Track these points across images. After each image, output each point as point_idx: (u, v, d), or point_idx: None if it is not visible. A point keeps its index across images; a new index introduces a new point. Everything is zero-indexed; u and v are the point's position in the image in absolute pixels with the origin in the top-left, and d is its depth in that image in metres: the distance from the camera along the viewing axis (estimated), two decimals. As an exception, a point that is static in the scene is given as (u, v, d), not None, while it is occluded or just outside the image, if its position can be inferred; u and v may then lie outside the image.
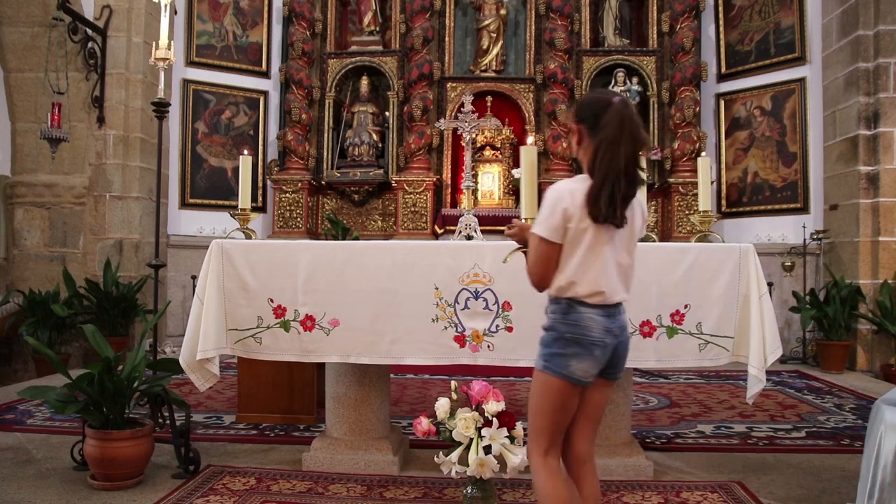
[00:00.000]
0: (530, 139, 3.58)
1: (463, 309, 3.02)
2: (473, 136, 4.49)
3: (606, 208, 1.96)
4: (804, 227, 6.97)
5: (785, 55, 7.42)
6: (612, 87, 7.85)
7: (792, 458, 3.57)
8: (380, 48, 8.06)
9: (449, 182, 7.87)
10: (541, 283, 2.10)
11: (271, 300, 3.10)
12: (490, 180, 7.79)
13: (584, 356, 2.02)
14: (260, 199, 7.96)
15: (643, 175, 2.06)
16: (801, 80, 7.28)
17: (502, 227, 7.92)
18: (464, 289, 3.02)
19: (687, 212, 7.50)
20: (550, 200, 2.03)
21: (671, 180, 7.66)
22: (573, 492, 2.09)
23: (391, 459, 3.24)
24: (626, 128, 1.97)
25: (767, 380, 3.09)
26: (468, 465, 2.62)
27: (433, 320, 3.03)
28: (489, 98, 7.72)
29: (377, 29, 8.16)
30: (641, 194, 2.18)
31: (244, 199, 3.74)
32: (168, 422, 3.24)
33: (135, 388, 3.16)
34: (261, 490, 3.01)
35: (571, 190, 2.02)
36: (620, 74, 7.82)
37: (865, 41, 6.43)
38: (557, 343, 2.04)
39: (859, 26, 6.44)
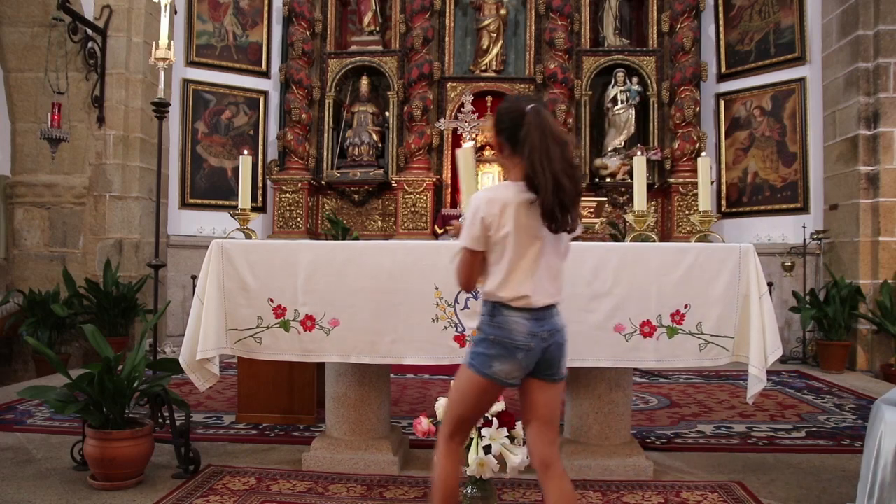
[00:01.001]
0: (468, 144, 3.60)
1: (463, 309, 3.03)
2: (473, 135, 4.50)
3: (562, 217, 2.02)
4: (804, 227, 6.97)
5: (785, 55, 7.42)
6: (612, 87, 7.88)
7: (792, 458, 3.57)
8: (380, 48, 8.06)
9: (449, 182, 7.87)
10: (465, 286, 2.21)
11: (271, 300, 3.10)
12: (490, 180, 7.76)
13: (507, 358, 2.09)
14: (260, 199, 7.96)
15: (580, 172, 2.08)
16: (801, 80, 7.28)
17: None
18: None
19: (687, 212, 7.50)
20: (470, 210, 2.10)
21: (671, 180, 7.66)
22: (456, 478, 2.20)
23: (391, 459, 3.24)
24: (548, 135, 2.01)
25: (767, 380, 3.09)
26: (468, 465, 2.62)
27: (433, 320, 3.04)
28: (489, 98, 7.71)
29: (377, 29, 8.16)
30: None
31: (244, 199, 3.74)
32: (168, 422, 3.24)
33: (135, 388, 3.16)
34: (261, 490, 3.01)
35: (489, 199, 2.07)
36: (620, 74, 7.83)
37: (865, 41, 6.43)
38: (483, 343, 2.12)
39: (859, 26, 6.44)
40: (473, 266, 2.13)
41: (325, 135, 8.01)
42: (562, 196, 2.00)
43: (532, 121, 2.02)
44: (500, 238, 2.05)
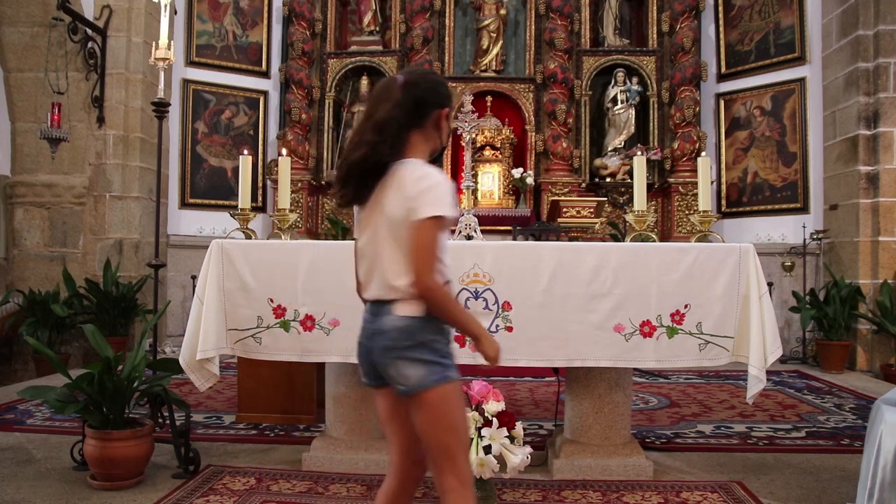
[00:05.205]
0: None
1: (463, 309, 3.02)
2: (473, 135, 4.50)
3: (342, 187, 1.88)
4: (804, 227, 6.97)
5: (785, 55, 7.42)
6: (612, 87, 7.89)
7: (792, 458, 3.57)
8: (380, 48, 8.07)
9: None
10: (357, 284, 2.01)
11: (271, 300, 3.10)
12: (490, 180, 7.79)
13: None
14: (260, 199, 7.96)
15: (396, 145, 1.84)
16: (801, 80, 7.28)
17: (502, 227, 7.89)
18: (464, 289, 3.02)
19: (687, 212, 7.51)
20: None
21: (671, 180, 7.67)
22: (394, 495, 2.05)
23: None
24: (372, 101, 1.89)
25: (767, 380, 3.09)
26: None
27: (433, 320, 3.03)
28: (489, 98, 7.72)
29: (377, 29, 8.16)
30: (410, 165, 1.83)
31: (244, 199, 3.74)
32: (168, 422, 3.24)
33: (135, 388, 3.16)
34: (261, 490, 3.01)
35: None
36: (620, 74, 7.83)
37: (865, 41, 6.43)
38: None
39: (859, 26, 6.44)
40: (354, 255, 2.01)
41: (325, 135, 8.02)
42: (344, 165, 1.87)
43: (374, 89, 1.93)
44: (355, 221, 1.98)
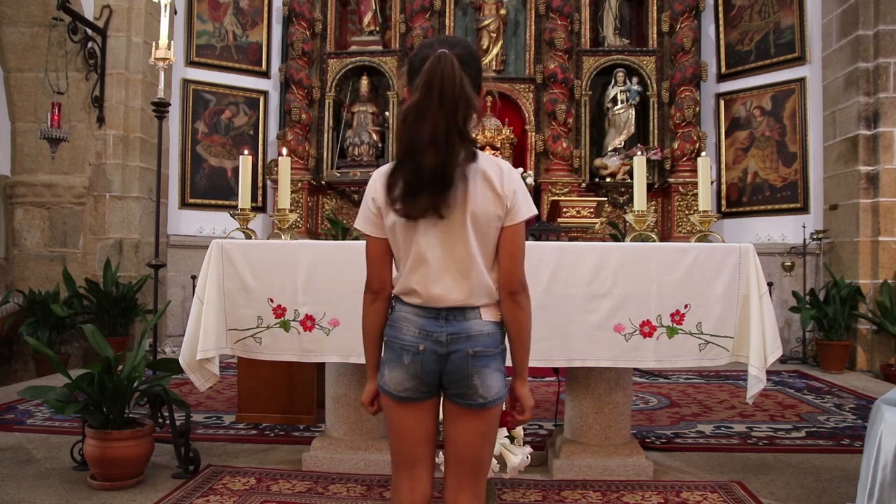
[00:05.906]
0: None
1: (463, 309, 3.01)
2: (473, 135, 4.50)
3: (404, 196, 1.59)
4: (804, 226, 6.97)
5: (785, 55, 7.42)
6: (612, 87, 7.88)
7: (792, 458, 3.57)
8: (380, 48, 8.06)
9: (449, 182, 7.85)
10: (367, 284, 1.78)
11: (271, 300, 3.10)
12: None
13: (395, 363, 1.70)
14: (260, 199, 7.96)
15: (470, 141, 1.61)
16: (801, 80, 7.28)
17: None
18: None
19: (687, 212, 7.51)
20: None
21: (671, 180, 7.67)
22: None
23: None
24: (435, 90, 1.55)
25: (767, 380, 3.09)
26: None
27: (433, 320, 3.02)
28: (489, 98, 7.71)
29: (377, 29, 8.16)
30: (488, 160, 1.70)
31: (244, 199, 3.74)
32: (168, 422, 3.24)
33: (135, 388, 3.16)
34: (261, 490, 3.01)
35: (380, 173, 1.72)
36: (620, 74, 7.83)
37: (865, 41, 6.43)
38: (384, 348, 1.78)
39: (859, 26, 6.44)
40: (374, 254, 1.76)
41: (325, 135, 8.01)
42: (413, 170, 1.57)
43: (427, 69, 1.56)
44: (390, 224, 1.69)
